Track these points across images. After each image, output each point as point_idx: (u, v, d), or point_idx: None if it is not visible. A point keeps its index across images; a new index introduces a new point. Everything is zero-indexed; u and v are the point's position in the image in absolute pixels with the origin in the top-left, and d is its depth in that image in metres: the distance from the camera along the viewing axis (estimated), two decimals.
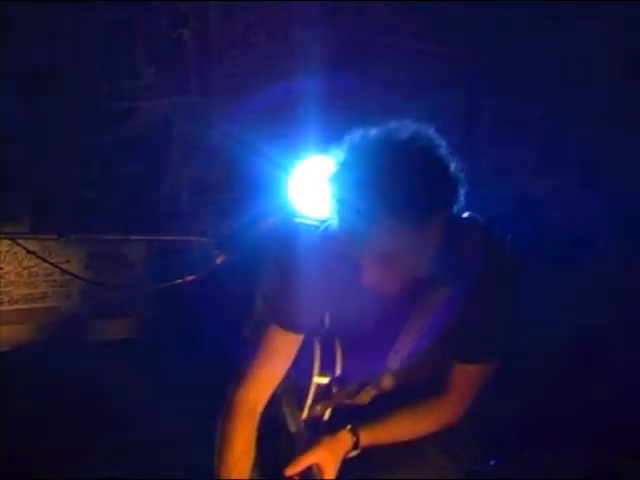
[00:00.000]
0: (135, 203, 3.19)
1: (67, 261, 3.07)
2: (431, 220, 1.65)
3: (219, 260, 1.83)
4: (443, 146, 1.73)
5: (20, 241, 2.23)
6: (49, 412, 3.01)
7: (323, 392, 1.93)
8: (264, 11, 3.25)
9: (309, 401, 1.93)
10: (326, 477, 1.86)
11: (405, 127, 1.71)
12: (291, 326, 1.87)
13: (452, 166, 1.75)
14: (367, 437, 1.90)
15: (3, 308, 3.00)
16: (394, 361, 1.87)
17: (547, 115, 3.41)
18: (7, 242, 2.81)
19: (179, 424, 2.83)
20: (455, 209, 1.75)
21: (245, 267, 2.10)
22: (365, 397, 1.91)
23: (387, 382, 1.90)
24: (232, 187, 3.18)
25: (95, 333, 3.14)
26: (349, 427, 1.90)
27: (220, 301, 3.21)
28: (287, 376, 1.92)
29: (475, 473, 2.00)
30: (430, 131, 1.75)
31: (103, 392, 3.07)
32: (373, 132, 1.69)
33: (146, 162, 3.19)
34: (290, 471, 1.85)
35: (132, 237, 3.32)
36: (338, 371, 1.91)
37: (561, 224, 3.37)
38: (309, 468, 1.86)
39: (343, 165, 1.65)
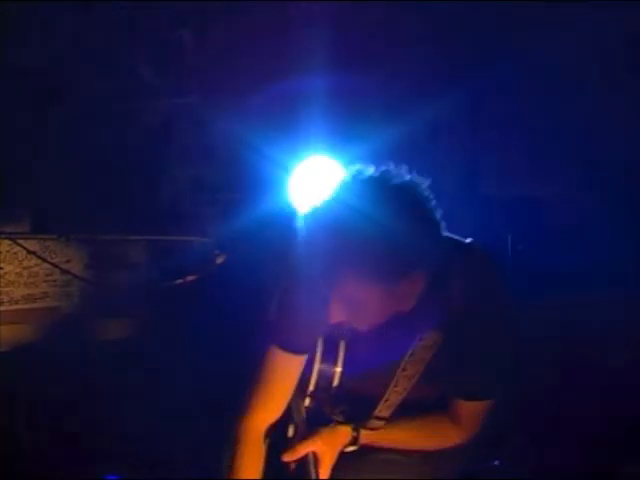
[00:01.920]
0: (135, 203, 3.19)
1: (67, 261, 3.07)
2: (405, 278, 1.56)
3: (219, 260, 1.83)
4: (429, 201, 1.66)
5: (20, 241, 2.23)
6: (49, 412, 3.01)
7: (325, 380, 1.92)
8: (264, 11, 3.25)
9: (311, 388, 1.93)
10: (321, 468, 1.86)
11: (397, 177, 1.64)
12: (294, 348, 1.86)
13: (435, 227, 1.65)
14: (367, 436, 1.90)
15: (3, 308, 3.00)
16: (385, 409, 1.88)
17: (547, 115, 3.41)
18: (7, 242, 2.81)
19: (179, 424, 2.83)
20: (433, 266, 1.61)
21: (245, 267, 2.11)
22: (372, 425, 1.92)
23: (375, 425, 1.90)
24: (232, 187, 3.18)
25: (95, 333, 3.14)
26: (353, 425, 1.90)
27: (220, 301, 3.21)
28: None
29: (476, 473, 2.00)
30: (420, 183, 1.68)
31: (103, 392, 3.07)
32: (365, 175, 1.63)
33: (146, 162, 3.19)
34: (287, 457, 1.86)
35: (132, 237, 3.34)
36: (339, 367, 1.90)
37: (561, 224, 3.38)
38: (306, 456, 1.87)
39: (328, 202, 1.60)
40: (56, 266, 2.61)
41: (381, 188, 1.60)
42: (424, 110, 3.40)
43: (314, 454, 1.87)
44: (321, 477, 1.85)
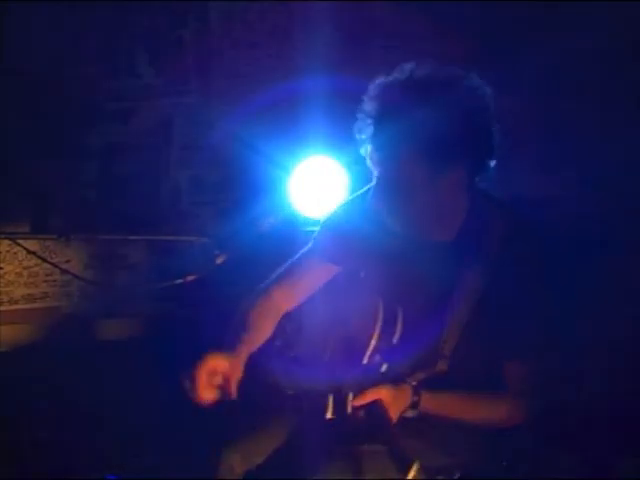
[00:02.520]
0: (135, 203, 3.19)
1: (67, 261, 3.07)
2: (448, 165, 1.75)
3: (219, 260, 1.83)
4: (490, 109, 1.87)
5: (20, 241, 2.23)
6: (49, 412, 3.01)
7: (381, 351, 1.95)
8: (264, 11, 3.25)
9: (369, 352, 1.94)
10: (390, 414, 1.83)
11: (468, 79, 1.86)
12: (325, 256, 2.02)
13: (489, 129, 1.87)
14: (428, 401, 1.88)
15: (3, 308, 3.00)
16: (446, 347, 1.88)
17: (547, 115, 3.41)
18: (7, 242, 2.81)
19: (179, 424, 2.83)
20: (480, 175, 1.86)
21: (245, 266, 2.11)
22: (414, 380, 1.91)
23: (441, 368, 1.90)
24: (232, 187, 3.18)
25: (95, 333, 3.14)
26: (413, 384, 1.89)
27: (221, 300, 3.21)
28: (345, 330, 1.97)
29: (476, 473, 2.00)
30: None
31: (103, 392, 3.07)
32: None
33: (146, 162, 3.19)
34: (357, 402, 1.84)
35: (132, 237, 3.34)
36: (396, 338, 1.93)
37: (561, 224, 3.37)
38: (374, 403, 1.84)
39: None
40: (56, 266, 2.61)
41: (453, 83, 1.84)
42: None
43: (381, 401, 1.84)
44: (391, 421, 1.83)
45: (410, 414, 1.89)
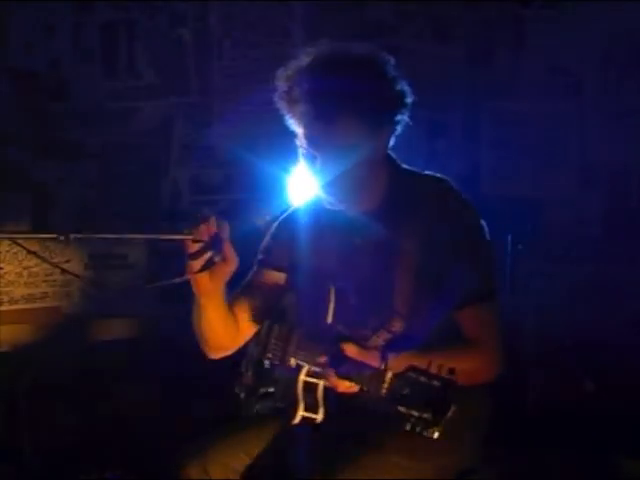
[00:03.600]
0: (135, 203, 3.19)
1: (67, 261, 3.07)
2: (381, 124, 1.85)
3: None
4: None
5: (20, 241, 2.23)
6: (49, 412, 3.01)
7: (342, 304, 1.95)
8: (264, 11, 3.25)
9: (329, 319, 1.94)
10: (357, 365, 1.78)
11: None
12: (268, 263, 2.06)
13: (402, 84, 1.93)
14: (393, 361, 1.78)
15: (3, 308, 3.00)
16: (399, 305, 1.89)
17: (547, 115, 3.41)
18: (7, 242, 2.81)
19: (179, 424, 2.83)
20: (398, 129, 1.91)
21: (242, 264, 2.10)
22: (377, 341, 1.90)
23: (396, 325, 1.90)
24: (232, 187, 3.18)
25: (95, 333, 3.14)
26: (380, 347, 1.86)
27: None
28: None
29: (476, 472, 2.00)
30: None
31: (103, 392, 3.07)
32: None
33: (146, 162, 3.19)
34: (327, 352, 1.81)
35: (132, 237, 3.33)
36: (351, 309, 1.92)
37: (561, 224, 3.37)
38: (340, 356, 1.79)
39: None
40: (56, 266, 2.61)
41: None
42: (424, 110, 3.39)
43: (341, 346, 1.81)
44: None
45: (388, 375, 1.86)
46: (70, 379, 3.05)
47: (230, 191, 3.24)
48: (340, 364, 1.77)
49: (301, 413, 1.83)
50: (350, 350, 1.81)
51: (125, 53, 3.13)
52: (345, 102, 1.83)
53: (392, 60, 1.93)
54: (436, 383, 1.64)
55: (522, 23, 3.39)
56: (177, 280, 1.81)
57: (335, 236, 1.99)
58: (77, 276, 2.75)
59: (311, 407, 1.84)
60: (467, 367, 1.84)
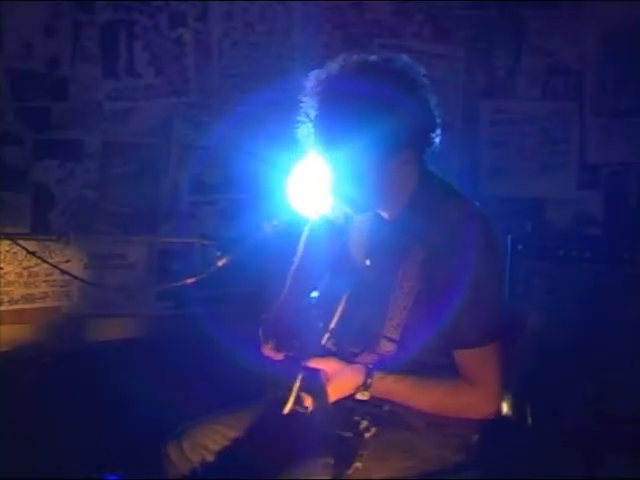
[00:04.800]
0: (135, 203, 3.19)
1: (67, 261, 3.07)
2: (397, 151, 1.81)
3: (220, 263, 1.83)
4: (424, 86, 1.90)
5: (20, 241, 2.23)
6: (49, 412, 3.01)
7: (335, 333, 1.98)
8: (264, 11, 3.25)
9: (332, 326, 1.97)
10: (327, 386, 1.83)
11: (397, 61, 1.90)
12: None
13: (427, 105, 1.91)
14: (379, 382, 1.86)
15: (3, 308, 3.00)
16: (390, 328, 1.87)
17: (547, 115, 3.41)
18: (7, 242, 2.81)
19: (179, 424, 2.83)
20: (425, 152, 1.91)
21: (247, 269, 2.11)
22: (365, 359, 1.90)
23: (385, 348, 1.89)
24: (232, 188, 3.18)
25: (95, 333, 3.14)
26: (369, 365, 1.88)
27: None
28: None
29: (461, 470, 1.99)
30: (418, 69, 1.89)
31: (102, 392, 3.07)
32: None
33: (146, 162, 3.19)
34: (304, 363, 1.86)
35: (132, 237, 3.34)
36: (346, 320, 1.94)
37: (561, 224, 3.37)
38: (315, 370, 1.85)
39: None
40: (56, 267, 2.61)
41: (382, 71, 1.85)
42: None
43: (324, 372, 1.85)
44: (305, 399, 1.82)
45: (362, 396, 1.87)
46: (70, 379, 3.05)
47: (230, 191, 3.24)
48: (311, 379, 1.82)
49: (291, 405, 1.83)
50: (329, 366, 1.85)
51: (125, 53, 3.13)
52: (352, 130, 1.80)
53: (416, 78, 1.88)
54: (348, 434, 1.69)
55: (522, 23, 3.39)
56: (178, 284, 1.82)
57: (354, 251, 2.01)
58: (77, 277, 2.74)
59: (301, 401, 1.85)
60: (457, 402, 1.87)
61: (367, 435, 1.81)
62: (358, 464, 1.77)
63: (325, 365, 1.87)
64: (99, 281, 3.11)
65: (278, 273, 2.22)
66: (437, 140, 1.95)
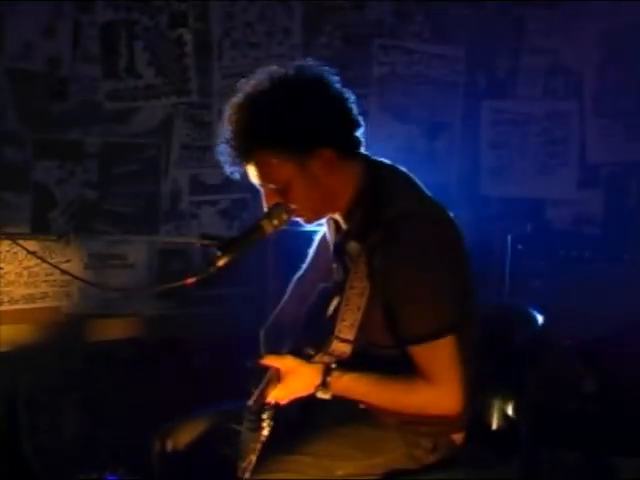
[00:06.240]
0: (135, 203, 3.19)
1: (67, 261, 3.07)
2: (312, 151, 1.83)
3: (220, 263, 1.82)
4: (332, 84, 1.90)
5: (20, 241, 2.23)
6: (49, 412, 3.01)
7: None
8: (264, 11, 3.25)
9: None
10: (278, 386, 1.86)
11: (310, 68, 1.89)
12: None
13: (339, 103, 1.90)
14: (337, 380, 1.87)
15: (3, 308, 3.00)
16: (344, 329, 1.87)
17: (547, 115, 3.41)
18: (7, 242, 2.81)
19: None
20: (346, 150, 1.88)
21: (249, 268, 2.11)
22: (322, 360, 1.90)
23: (339, 348, 1.89)
24: (232, 187, 3.18)
25: (95, 333, 3.14)
26: (332, 365, 1.89)
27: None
28: None
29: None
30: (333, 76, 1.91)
31: (102, 392, 3.07)
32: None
33: (146, 162, 3.19)
34: (257, 362, 1.88)
35: (132, 237, 3.33)
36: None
37: (561, 224, 3.38)
38: (268, 368, 1.88)
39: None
40: (56, 266, 2.61)
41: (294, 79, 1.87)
42: (424, 110, 3.40)
43: (278, 371, 1.87)
44: (267, 394, 1.84)
45: (323, 395, 1.88)
46: (70, 379, 3.05)
47: (230, 191, 3.24)
48: (260, 376, 1.86)
49: (255, 398, 1.85)
50: (284, 364, 1.87)
51: (125, 53, 3.13)
52: (253, 141, 1.85)
53: (316, 79, 1.89)
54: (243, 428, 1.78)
55: (522, 23, 3.39)
56: (177, 284, 1.81)
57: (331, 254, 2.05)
58: (77, 277, 2.74)
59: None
60: (414, 399, 1.87)
61: (263, 431, 1.80)
62: (252, 457, 1.77)
63: (280, 363, 1.89)
64: (99, 281, 3.11)
65: (278, 273, 2.22)
66: (358, 135, 1.93)
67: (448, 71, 3.38)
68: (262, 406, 1.81)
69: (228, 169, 1.95)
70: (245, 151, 1.88)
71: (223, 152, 1.92)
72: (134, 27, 3.13)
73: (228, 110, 1.92)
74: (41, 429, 2.99)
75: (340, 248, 1.98)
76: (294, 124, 1.82)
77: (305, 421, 1.97)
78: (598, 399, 2.89)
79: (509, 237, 3.10)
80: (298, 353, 1.93)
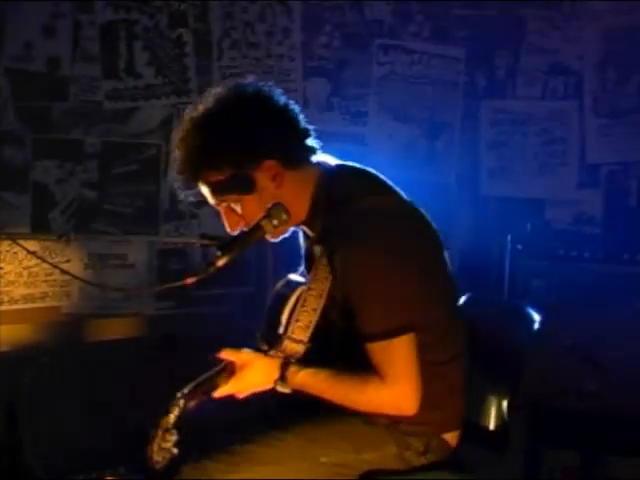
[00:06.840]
0: (135, 203, 3.19)
1: (67, 261, 3.07)
2: (254, 163, 1.87)
3: (220, 263, 1.82)
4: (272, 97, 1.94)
5: (20, 241, 2.23)
6: (49, 412, 3.01)
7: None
8: (264, 11, 3.25)
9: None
10: (233, 378, 1.89)
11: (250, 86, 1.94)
12: None
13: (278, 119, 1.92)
14: (294, 375, 1.88)
15: (3, 308, 3.00)
16: (298, 330, 1.89)
17: (547, 115, 3.41)
18: (7, 242, 2.81)
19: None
20: (290, 159, 1.90)
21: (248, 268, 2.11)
22: (277, 356, 1.93)
23: (291, 348, 1.90)
24: None
25: (95, 333, 3.14)
26: (283, 358, 1.91)
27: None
28: None
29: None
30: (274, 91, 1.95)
31: (102, 392, 3.07)
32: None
33: (146, 162, 3.19)
34: (217, 355, 1.92)
35: (132, 237, 3.34)
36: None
37: (561, 224, 3.38)
38: (228, 362, 1.91)
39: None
40: (56, 266, 2.61)
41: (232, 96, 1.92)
42: (424, 110, 3.40)
43: (234, 364, 1.90)
44: (222, 386, 1.88)
45: (282, 389, 1.89)
46: (70, 379, 3.05)
47: None
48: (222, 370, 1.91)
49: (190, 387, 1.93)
50: (239, 358, 1.91)
51: (125, 53, 3.13)
52: (196, 161, 1.89)
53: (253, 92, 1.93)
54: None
55: (522, 23, 3.39)
56: (177, 284, 1.82)
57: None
58: (77, 277, 2.74)
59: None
60: (366, 396, 1.87)
61: (169, 419, 1.89)
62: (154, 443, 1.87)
63: (236, 356, 1.91)
64: (99, 281, 3.11)
65: (278, 273, 2.21)
66: (308, 144, 1.95)
67: (448, 71, 3.38)
68: (188, 395, 1.87)
69: (183, 194, 1.99)
70: (193, 173, 1.92)
71: (177, 178, 1.97)
72: (134, 27, 3.13)
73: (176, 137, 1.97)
74: (41, 429, 2.98)
75: (308, 255, 2.00)
76: (233, 140, 1.86)
77: (300, 405, 1.96)
78: (598, 399, 2.89)
79: (509, 237, 3.10)
80: (256, 349, 1.96)
